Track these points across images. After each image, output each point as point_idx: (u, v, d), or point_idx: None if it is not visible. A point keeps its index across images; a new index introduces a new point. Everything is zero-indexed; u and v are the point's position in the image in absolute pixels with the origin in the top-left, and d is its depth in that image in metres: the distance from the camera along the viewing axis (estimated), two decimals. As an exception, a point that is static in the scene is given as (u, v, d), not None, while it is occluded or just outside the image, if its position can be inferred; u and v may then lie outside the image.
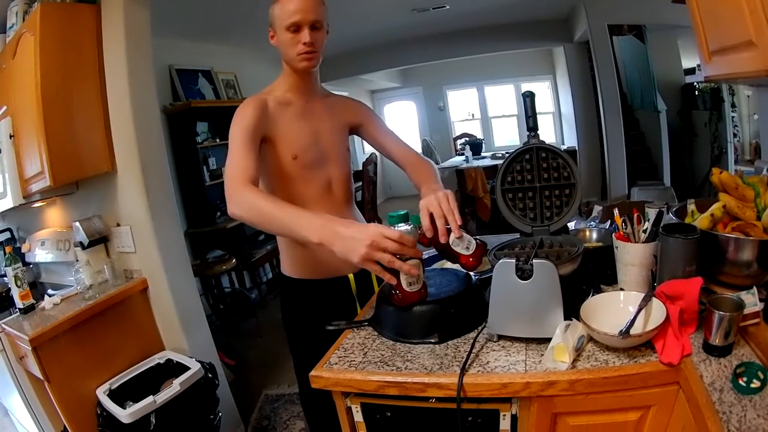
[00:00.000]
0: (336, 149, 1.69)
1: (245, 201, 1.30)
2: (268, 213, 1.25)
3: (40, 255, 2.95)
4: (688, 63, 6.06)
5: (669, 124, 5.78)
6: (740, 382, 0.89)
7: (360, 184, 5.77)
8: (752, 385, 0.88)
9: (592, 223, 1.92)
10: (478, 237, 1.33)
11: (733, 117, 4.85)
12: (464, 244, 1.28)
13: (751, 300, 1.05)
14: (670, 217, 1.40)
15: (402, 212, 1.24)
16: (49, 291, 2.69)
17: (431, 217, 1.29)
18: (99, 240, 2.48)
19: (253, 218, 1.29)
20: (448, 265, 1.59)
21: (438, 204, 1.30)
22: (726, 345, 0.98)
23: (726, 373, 0.93)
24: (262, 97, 1.55)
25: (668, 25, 5.06)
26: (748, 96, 4.46)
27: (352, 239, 1.13)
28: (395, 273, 1.21)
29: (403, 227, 1.23)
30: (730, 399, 0.87)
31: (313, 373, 1.21)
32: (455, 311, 1.29)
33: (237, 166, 1.37)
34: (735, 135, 4.83)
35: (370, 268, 1.15)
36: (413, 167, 1.70)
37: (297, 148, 1.57)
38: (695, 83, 5.80)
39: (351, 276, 1.72)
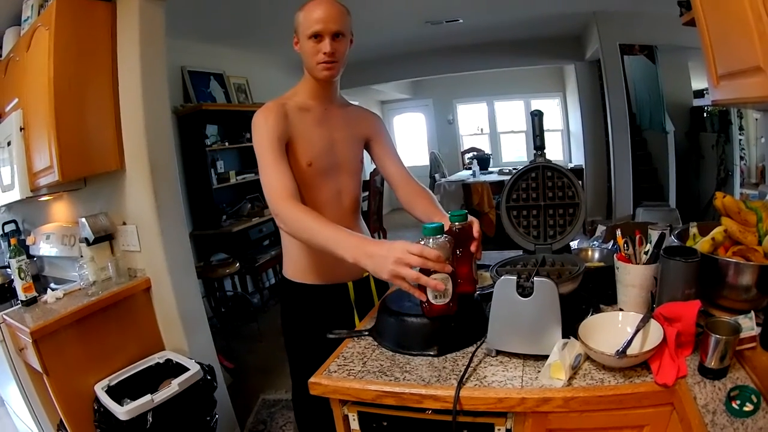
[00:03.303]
0: (349, 159, 1.71)
1: (293, 218, 1.36)
2: (313, 229, 1.32)
3: (45, 248, 2.97)
4: (697, 85, 6.07)
5: (676, 145, 5.77)
6: (733, 405, 0.89)
7: (366, 194, 5.78)
8: (745, 409, 0.88)
9: (595, 242, 1.92)
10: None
11: (740, 140, 4.84)
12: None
13: (748, 324, 1.05)
14: (672, 240, 1.41)
15: (437, 224, 1.23)
16: (52, 285, 2.71)
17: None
18: (104, 237, 2.50)
19: (298, 234, 1.36)
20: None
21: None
22: (721, 368, 0.99)
23: (720, 395, 0.94)
24: (282, 102, 1.56)
25: (679, 46, 5.06)
26: (757, 119, 4.45)
27: (381, 257, 1.17)
28: (424, 289, 1.22)
29: (441, 239, 1.22)
30: (723, 421, 0.87)
31: (312, 379, 1.22)
32: (455, 325, 1.29)
33: (277, 182, 1.41)
34: (742, 158, 4.82)
35: (399, 284, 1.19)
36: (415, 194, 1.73)
37: (312, 155, 1.58)
38: (705, 107, 5.79)
39: (350, 284, 1.73)
